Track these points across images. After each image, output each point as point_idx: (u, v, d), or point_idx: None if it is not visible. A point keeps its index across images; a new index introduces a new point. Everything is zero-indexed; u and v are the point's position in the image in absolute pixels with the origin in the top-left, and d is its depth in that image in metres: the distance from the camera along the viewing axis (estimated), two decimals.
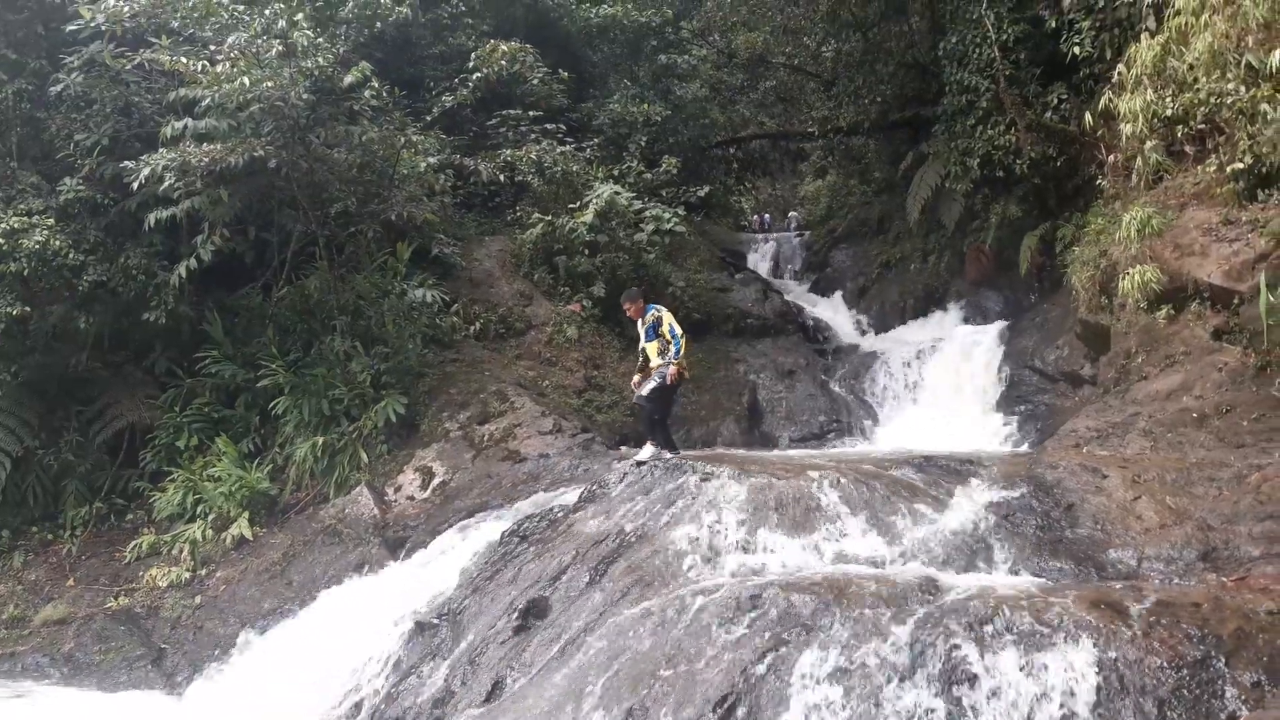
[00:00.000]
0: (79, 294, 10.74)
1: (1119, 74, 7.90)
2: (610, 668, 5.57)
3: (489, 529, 8.45)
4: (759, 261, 21.37)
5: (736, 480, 7.29)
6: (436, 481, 10.19)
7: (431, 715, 6.13)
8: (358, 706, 7.03)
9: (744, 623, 5.43)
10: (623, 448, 9.73)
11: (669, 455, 8.46)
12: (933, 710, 4.64)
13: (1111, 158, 9.94)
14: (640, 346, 8.85)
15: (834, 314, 17.13)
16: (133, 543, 10.07)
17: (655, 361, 8.67)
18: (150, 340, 11.49)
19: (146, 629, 9.10)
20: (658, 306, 8.83)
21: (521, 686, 5.85)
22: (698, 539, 6.74)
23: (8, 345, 10.60)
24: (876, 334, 16.01)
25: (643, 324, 8.75)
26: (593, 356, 13.12)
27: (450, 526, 8.99)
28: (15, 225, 10.23)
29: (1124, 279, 8.34)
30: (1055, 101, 12.41)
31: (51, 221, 10.55)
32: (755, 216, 28.02)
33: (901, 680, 4.80)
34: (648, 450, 8.60)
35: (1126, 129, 7.85)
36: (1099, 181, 10.66)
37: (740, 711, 4.92)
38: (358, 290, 11.79)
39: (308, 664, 7.53)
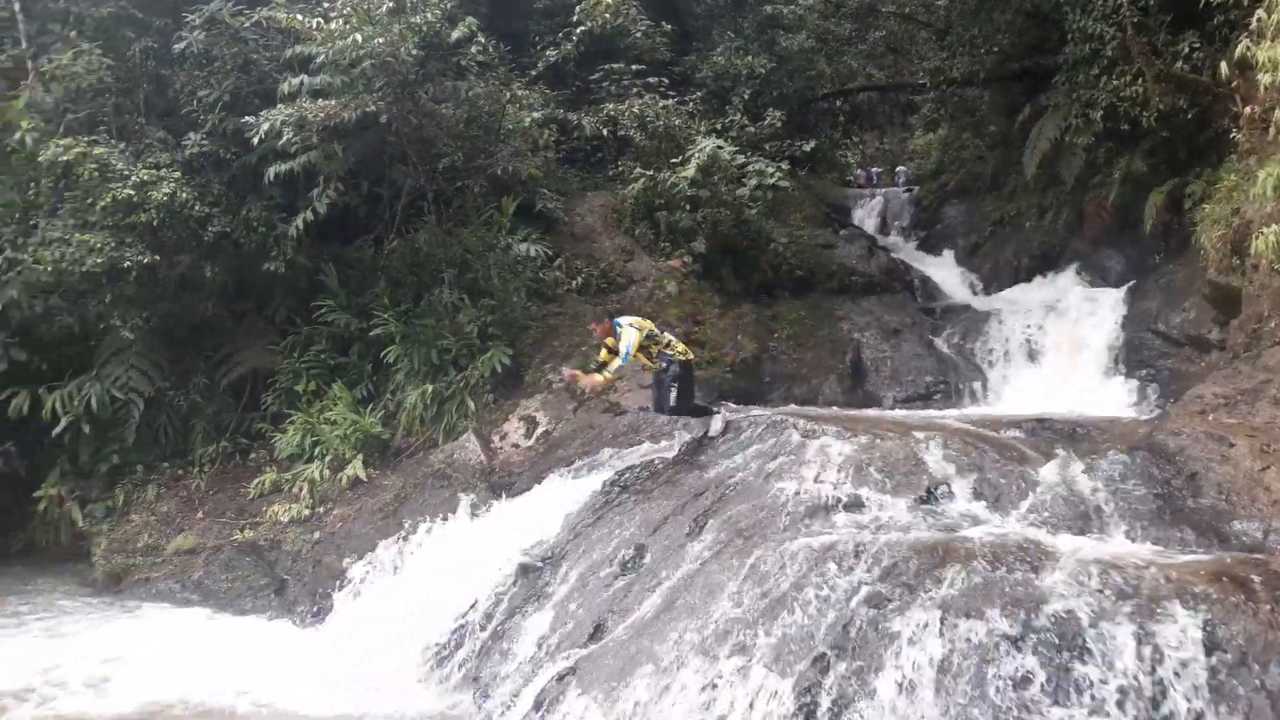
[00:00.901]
0: (204, 244, 11.30)
1: (1258, 20, 7.38)
2: (709, 616, 5.65)
3: (591, 478, 8.62)
4: (865, 218, 20.87)
5: (840, 438, 7.24)
6: (540, 430, 10.42)
7: (535, 652, 6.34)
8: (463, 641, 7.32)
9: (845, 579, 5.42)
10: (724, 403, 9.74)
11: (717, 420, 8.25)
12: (1036, 677, 4.55)
13: (1247, 110, 9.31)
14: (619, 365, 7.98)
15: (943, 272, 16.64)
16: (256, 480, 10.64)
17: (649, 364, 8.25)
18: (271, 289, 12.02)
19: (269, 561, 9.66)
20: (626, 322, 8.07)
21: (622, 630, 5.99)
22: (799, 495, 6.73)
23: (139, 292, 11.24)
24: (988, 293, 15.50)
25: (620, 343, 7.94)
26: (693, 312, 13.10)
27: (553, 474, 9.20)
28: (145, 178, 10.79)
29: (1258, 239, 7.85)
30: (1186, 50, 11.65)
31: (178, 175, 11.09)
32: (861, 171, 27.27)
33: (1006, 645, 4.72)
34: (716, 424, 8.32)
35: (1265, 79, 7.35)
36: (1233, 135, 10.01)
37: (838, 666, 4.94)
38: (464, 244, 12.05)
39: (417, 599, 7.86)
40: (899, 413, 11.13)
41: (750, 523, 6.49)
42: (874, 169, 28.70)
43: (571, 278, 13.01)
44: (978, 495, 6.51)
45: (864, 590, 5.28)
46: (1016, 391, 12.06)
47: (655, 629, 5.77)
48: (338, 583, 8.77)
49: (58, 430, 11.00)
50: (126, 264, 10.48)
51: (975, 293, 15.82)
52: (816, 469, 6.97)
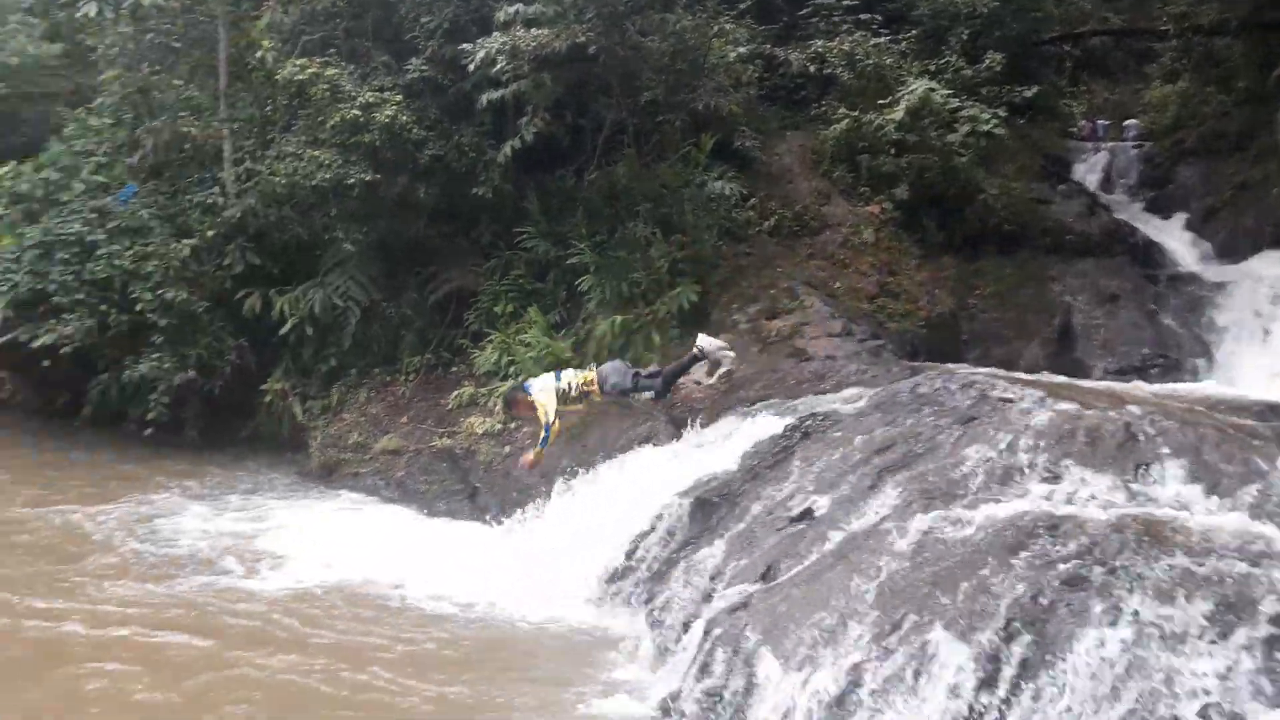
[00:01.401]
0: (419, 166, 11.94)
1: None
2: (884, 574, 5.57)
3: (771, 421, 8.61)
4: (1087, 173, 19.36)
5: (1041, 404, 6.87)
6: (723, 370, 10.43)
7: (707, 583, 6.49)
8: (636, 565, 7.59)
9: (1037, 551, 5.20)
10: (916, 360, 9.50)
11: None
12: (1239, 681, 4.20)
13: None
14: (551, 422, 7.30)
15: (1171, 237, 15.28)
16: (455, 392, 11.32)
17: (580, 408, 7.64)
18: (477, 213, 12.58)
19: (464, 468, 10.31)
20: (537, 387, 7.42)
21: (794, 575, 6.01)
22: (991, 459, 6.46)
23: (361, 209, 12.05)
24: (1221, 263, 14.13)
25: (540, 412, 7.31)
26: (889, 262, 12.71)
27: (733, 413, 9.26)
28: (370, 100, 11.47)
29: None
30: None
31: (399, 99, 11.71)
32: (1086, 123, 25.18)
33: (1209, 640, 4.41)
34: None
35: None
36: None
37: (1022, 639, 4.77)
38: (661, 179, 12.14)
39: (595, 521, 8.19)
40: (1110, 384, 10.43)
41: (936, 483, 6.30)
42: (1100, 121, 26.47)
43: (764, 219, 12.87)
44: (1193, 478, 6.03)
45: (1057, 564, 5.05)
46: (1245, 372, 11.05)
47: (829, 578, 5.75)
48: (523, 496, 9.26)
49: (284, 331, 12.08)
50: (351, 181, 11.26)
51: (1206, 261, 14.47)
52: (1013, 435, 6.65)
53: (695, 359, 7.61)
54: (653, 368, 7.82)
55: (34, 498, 9.59)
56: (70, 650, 6.01)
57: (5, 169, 13.58)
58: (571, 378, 7.35)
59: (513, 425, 10.53)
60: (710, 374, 8.09)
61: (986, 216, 13.37)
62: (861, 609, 5.32)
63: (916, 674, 4.81)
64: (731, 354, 8.03)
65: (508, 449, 10.19)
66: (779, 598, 5.86)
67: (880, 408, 7.92)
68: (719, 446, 8.65)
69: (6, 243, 12.75)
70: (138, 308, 11.66)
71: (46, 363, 11.99)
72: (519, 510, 9.12)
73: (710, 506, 7.53)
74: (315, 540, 8.72)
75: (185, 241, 12.14)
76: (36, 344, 11.66)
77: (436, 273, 12.60)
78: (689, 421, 9.76)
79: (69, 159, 13.48)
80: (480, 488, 10.04)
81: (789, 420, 8.34)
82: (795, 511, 6.75)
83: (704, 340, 7.70)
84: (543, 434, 7.32)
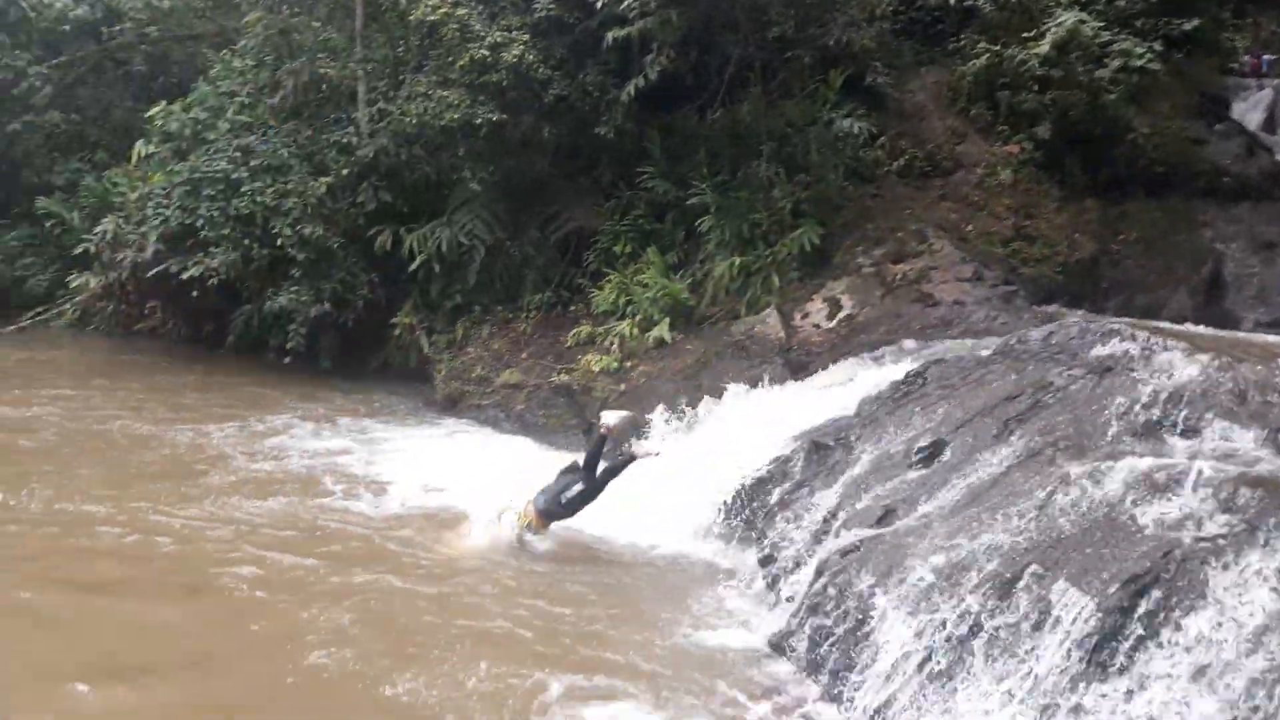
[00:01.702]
0: (544, 106, 12.00)
1: None
2: (1009, 521, 5.42)
3: (892, 367, 8.42)
4: (1247, 112, 17.83)
5: (1186, 355, 6.46)
6: (843, 314, 10.28)
7: (821, 524, 6.45)
8: (750, 502, 7.58)
9: (1174, 505, 4.94)
10: (1050, 307, 9.06)
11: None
12: None
13: None
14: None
15: None
16: (573, 330, 11.49)
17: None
18: (599, 153, 12.60)
19: (580, 404, 10.50)
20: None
21: (912, 520, 5.91)
22: (1127, 411, 6.14)
23: (487, 148, 12.23)
24: None
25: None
26: (1026, 204, 12.12)
27: (853, 358, 9.10)
28: (498, 39, 11.56)
29: None
30: None
31: (526, 38, 11.75)
32: (1250, 58, 23.18)
33: None
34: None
35: None
36: None
37: (1153, 593, 4.55)
38: (786, 117, 11.85)
39: (709, 458, 8.23)
40: (1265, 336, 9.73)
41: (1068, 433, 6.04)
42: (1265, 56, 24.31)
43: (893, 158, 12.43)
44: None
45: (1193, 521, 4.80)
46: None
47: (949, 525, 5.62)
48: (638, 432, 9.37)
49: (413, 267, 12.48)
50: (478, 120, 11.44)
51: None
52: (1154, 386, 6.29)
53: (603, 439, 7.37)
54: (573, 488, 7.26)
55: (170, 417, 10.29)
56: (189, 562, 6.41)
57: (157, 109, 14.39)
58: (510, 519, 7.12)
59: (628, 364, 10.64)
60: (629, 447, 7.61)
61: (1135, 157, 12.53)
62: (982, 557, 5.19)
63: (1036, 625, 4.68)
64: (643, 429, 8.00)
65: (623, 387, 10.31)
66: (895, 542, 5.78)
67: (1010, 355, 7.62)
68: (837, 390, 8.52)
69: (158, 180, 13.55)
70: (278, 243, 12.25)
71: (195, 293, 12.78)
72: (632, 444, 9.23)
73: (826, 450, 7.44)
74: (436, 467, 9.10)
75: (322, 179, 12.63)
76: (186, 276, 12.42)
77: (558, 212, 12.73)
78: (807, 364, 9.65)
79: (215, 99, 14.16)
80: (596, 423, 10.19)
81: (912, 367, 8.13)
82: (915, 458, 6.61)
83: (607, 416, 7.55)
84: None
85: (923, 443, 6.71)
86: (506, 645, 5.45)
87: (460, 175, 12.30)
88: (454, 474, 8.81)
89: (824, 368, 9.23)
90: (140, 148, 15.60)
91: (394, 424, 11.02)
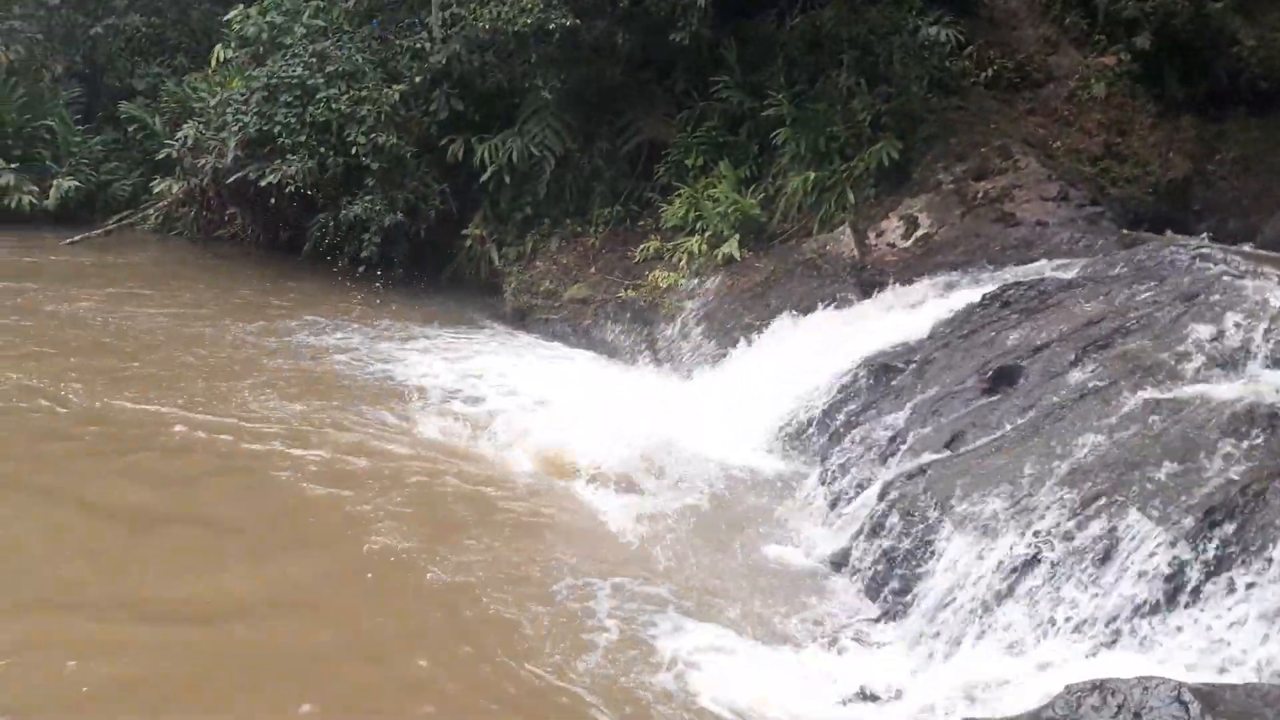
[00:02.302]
0: (619, 11, 11.69)
1: None
2: (1080, 448, 5.33)
3: (968, 289, 8.22)
4: None
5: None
6: (920, 233, 10.00)
7: (886, 446, 6.42)
8: (815, 421, 7.60)
9: (1257, 439, 4.80)
10: (1139, 230, 8.70)
11: None
12: None
13: None
14: None
15: None
16: (641, 245, 11.40)
17: None
18: (672, 61, 12.28)
19: (647, 319, 10.50)
20: None
21: (982, 444, 5.85)
22: (1213, 340, 5.93)
23: (559, 54, 12.01)
24: None
25: None
26: (1118, 120, 11.51)
27: (927, 278, 8.90)
28: None
29: None
30: None
31: None
32: None
33: None
34: None
35: None
36: None
37: (1226, 527, 4.46)
38: (870, 24, 11.33)
39: (775, 375, 8.22)
40: None
41: (1149, 362, 5.87)
42: None
43: (981, 69, 11.86)
44: None
45: (1274, 455, 4.66)
46: None
47: (1019, 450, 5.56)
48: (705, 349, 9.38)
49: (484, 178, 12.46)
50: (551, 26, 11.21)
51: None
52: (1242, 315, 6.05)
53: None
54: None
55: (243, 320, 10.67)
56: (249, 458, 6.69)
57: (234, 12, 14.41)
58: None
59: (696, 281, 10.57)
60: None
61: (1238, 71, 11.73)
62: (1052, 483, 5.13)
63: (1104, 555, 4.63)
64: None
65: (689, 304, 10.26)
66: (962, 467, 5.74)
67: (1092, 279, 7.38)
68: (910, 311, 8.37)
69: (236, 85, 13.68)
70: (353, 150, 12.32)
71: (273, 200, 13.00)
72: (700, 362, 9.27)
73: (896, 372, 7.37)
74: (500, 373, 9.28)
75: (395, 87, 12.60)
76: (263, 183, 12.61)
77: (629, 123, 12.50)
78: (880, 284, 9.46)
79: (290, 3, 14.11)
80: (661, 339, 10.23)
81: (989, 289, 7.93)
82: (988, 382, 6.50)
83: None
84: None
85: (995, 366, 6.59)
86: (564, 548, 5.61)
87: (532, 83, 12.14)
88: (525, 384, 8.97)
89: (896, 288, 9.03)
90: (219, 52, 15.72)
91: (465, 334, 11.22)
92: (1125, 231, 9.40)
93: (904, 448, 6.36)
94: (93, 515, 5.73)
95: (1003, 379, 6.45)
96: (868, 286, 9.46)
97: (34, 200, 16.21)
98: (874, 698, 4.48)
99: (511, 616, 4.83)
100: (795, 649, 4.81)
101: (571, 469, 6.96)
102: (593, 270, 11.70)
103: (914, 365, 7.36)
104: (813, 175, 10.67)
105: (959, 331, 7.40)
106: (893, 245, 10.13)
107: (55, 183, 16.63)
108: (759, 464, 7.44)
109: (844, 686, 4.52)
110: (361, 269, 12.65)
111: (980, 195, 9.94)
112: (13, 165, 16.29)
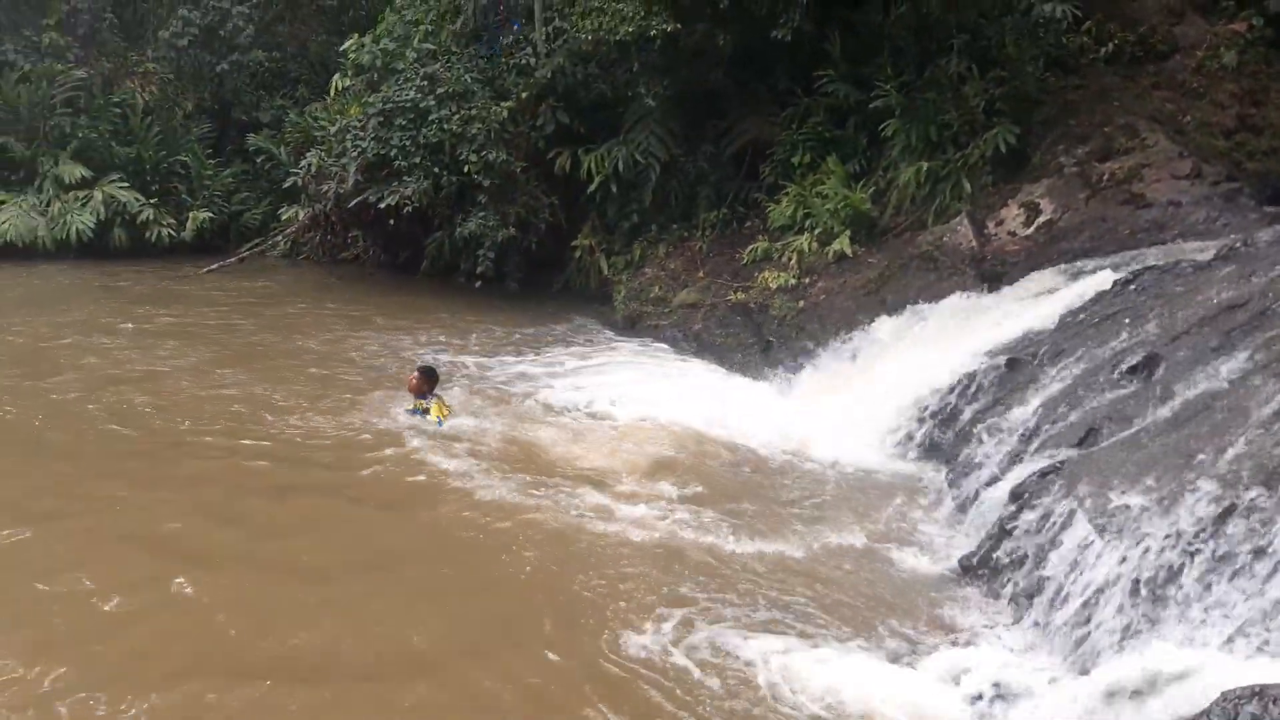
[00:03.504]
0: (719, 12, 11.67)
1: None
2: (1232, 440, 5.01)
3: (1098, 275, 7.86)
4: None
5: None
6: (1042, 219, 9.62)
7: (1016, 444, 6.19)
8: (939, 420, 7.39)
9: None
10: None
11: None
12: None
13: None
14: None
15: None
16: (749, 247, 11.34)
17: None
18: (774, 59, 12.17)
19: (757, 322, 10.43)
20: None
21: (1119, 440, 5.57)
22: None
23: (661, 60, 12.10)
24: None
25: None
26: (1252, 90, 10.79)
27: (1052, 267, 8.55)
28: None
29: None
30: None
31: None
32: None
33: None
34: None
35: None
36: None
37: None
38: (979, 6, 10.98)
39: (894, 374, 8.03)
40: None
41: None
42: None
43: (1100, 44, 11.32)
44: None
45: None
46: None
47: (1160, 445, 5.26)
48: (819, 349, 9.24)
49: (591, 189, 12.64)
50: (652, 32, 11.31)
51: None
52: None
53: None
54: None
55: (363, 335, 11.18)
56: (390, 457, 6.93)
57: (350, 42, 15.05)
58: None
59: (807, 280, 10.44)
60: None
61: None
62: (1198, 481, 4.84)
63: (1255, 556, 4.34)
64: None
65: (801, 303, 10.14)
66: (1099, 463, 5.48)
67: (1232, 259, 6.95)
68: (1036, 302, 8.07)
69: (354, 112, 14.26)
70: (465, 169, 12.69)
71: (392, 222, 13.49)
72: (813, 362, 9.14)
73: (1023, 365, 7.10)
74: (615, 381, 9.37)
75: (503, 104, 12.91)
76: (383, 205, 13.11)
77: (732, 125, 12.47)
78: (1001, 275, 9.15)
79: (402, 28, 14.64)
80: (773, 341, 10.12)
81: (1120, 274, 7.56)
82: (1123, 374, 6.20)
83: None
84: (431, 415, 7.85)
85: (1132, 357, 6.27)
86: (681, 554, 5.61)
87: (635, 91, 12.25)
88: (646, 392, 9.05)
89: (1020, 278, 8.71)
90: (337, 81, 16.46)
91: (575, 344, 11.38)
92: (1265, 208, 8.82)
93: (1035, 445, 6.13)
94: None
95: (1139, 370, 6.13)
96: (988, 278, 9.16)
97: (172, 232, 17.30)
98: (1006, 701, 4.32)
99: (633, 620, 4.86)
100: (926, 653, 4.69)
101: (670, 469, 6.98)
102: (701, 274, 11.69)
103: (1043, 358, 7.08)
104: (925, 166, 10.40)
105: (1089, 320, 7.08)
106: (1014, 234, 9.77)
107: (191, 214, 17.72)
108: (878, 465, 7.30)
109: (977, 691, 4.38)
110: (477, 284, 13.00)
111: (1106, 177, 9.49)
112: (152, 200, 17.42)
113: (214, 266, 16.13)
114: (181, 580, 5.07)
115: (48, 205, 16.70)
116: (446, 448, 7.22)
